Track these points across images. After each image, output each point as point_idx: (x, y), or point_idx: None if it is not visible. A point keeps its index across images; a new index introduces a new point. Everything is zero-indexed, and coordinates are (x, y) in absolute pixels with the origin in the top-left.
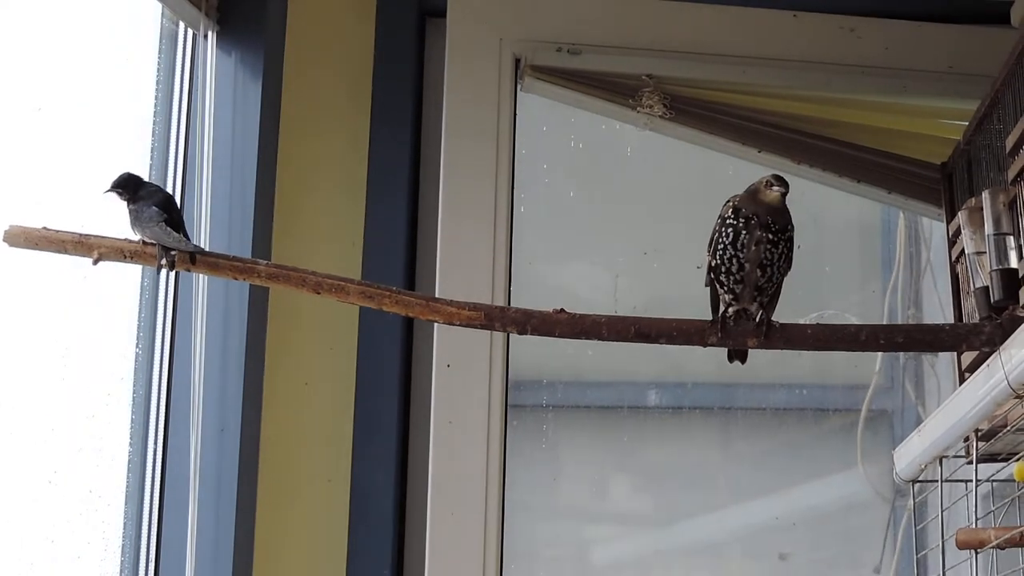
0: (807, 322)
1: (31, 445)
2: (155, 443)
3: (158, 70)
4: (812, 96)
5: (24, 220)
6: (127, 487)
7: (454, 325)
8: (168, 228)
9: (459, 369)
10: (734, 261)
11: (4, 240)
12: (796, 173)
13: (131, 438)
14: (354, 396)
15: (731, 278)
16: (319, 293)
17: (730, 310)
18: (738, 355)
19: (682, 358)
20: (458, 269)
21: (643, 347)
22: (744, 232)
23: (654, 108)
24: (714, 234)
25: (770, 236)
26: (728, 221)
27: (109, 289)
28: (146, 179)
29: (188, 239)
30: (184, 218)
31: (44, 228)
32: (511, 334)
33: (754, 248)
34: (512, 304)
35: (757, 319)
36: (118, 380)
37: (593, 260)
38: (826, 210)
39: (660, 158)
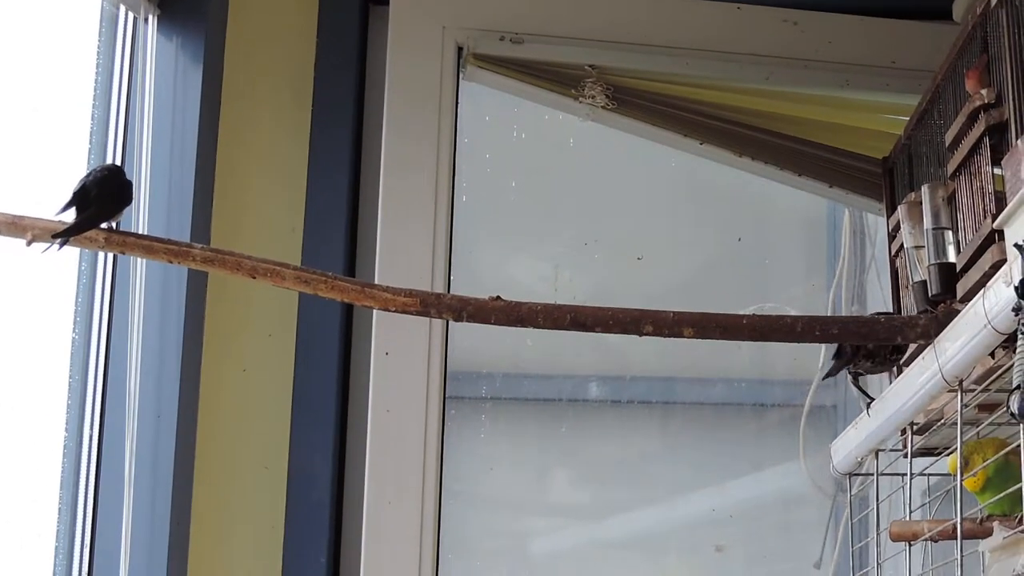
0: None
1: None
2: (91, 428)
3: (98, 53)
4: (754, 89)
5: None
6: (62, 473)
7: (389, 311)
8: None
9: (397, 357)
10: None
11: None
12: (738, 165)
13: (67, 424)
14: (292, 383)
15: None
16: (255, 277)
17: None
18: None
19: (623, 352)
20: (398, 257)
21: (583, 340)
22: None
23: (596, 98)
24: None
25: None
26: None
27: (44, 273)
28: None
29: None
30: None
31: None
32: (450, 323)
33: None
34: (451, 292)
35: None
36: (54, 365)
37: (534, 250)
38: (770, 203)
39: (602, 149)
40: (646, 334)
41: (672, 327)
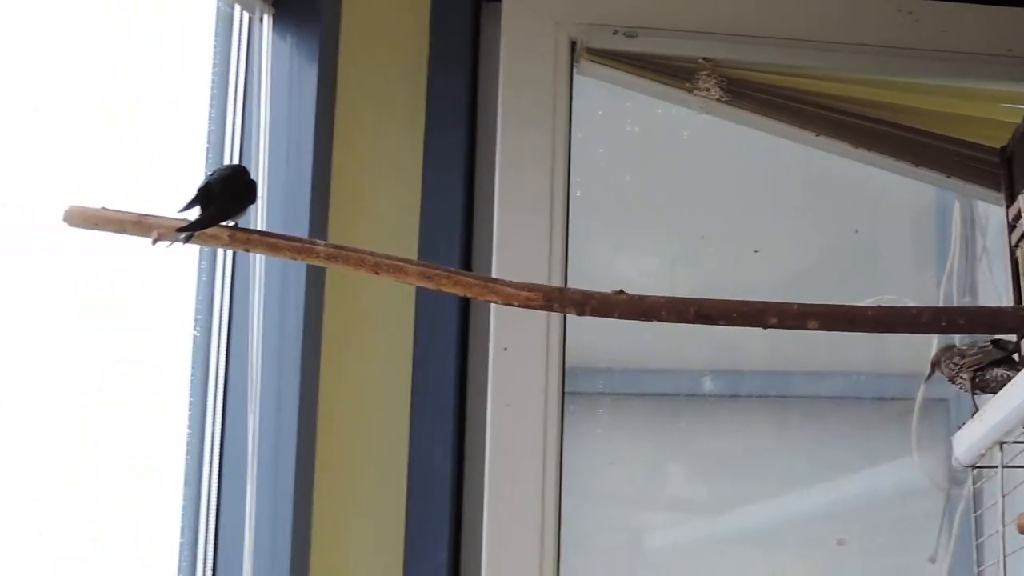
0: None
1: (90, 426)
2: (213, 425)
3: (214, 54)
4: (870, 79)
5: (83, 201)
6: (185, 469)
7: (512, 306)
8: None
9: (516, 352)
10: None
11: (63, 220)
12: (854, 157)
13: (189, 420)
14: (410, 377)
15: None
16: (377, 273)
17: None
18: None
19: (739, 346)
20: (515, 252)
21: (699, 334)
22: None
23: (711, 91)
24: None
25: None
26: None
27: (167, 271)
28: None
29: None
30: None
31: (103, 208)
32: (568, 319)
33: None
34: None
35: None
36: (176, 361)
37: (649, 245)
38: (880, 194)
39: (717, 142)
40: (770, 327)
41: (797, 319)
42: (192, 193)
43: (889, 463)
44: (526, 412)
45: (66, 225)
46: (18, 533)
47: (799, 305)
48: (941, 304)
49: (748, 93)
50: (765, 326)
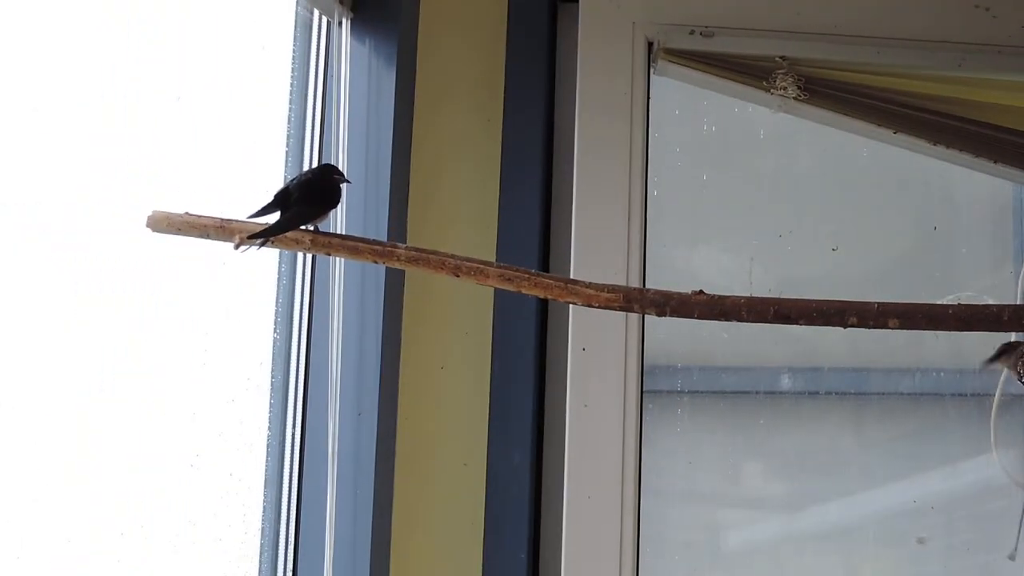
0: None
1: (173, 429)
2: (294, 427)
3: (293, 58)
4: (948, 76)
5: (165, 206)
6: (266, 471)
7: (593, 307)
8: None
9: (594, 353)
10: None
11: (148, 225)
12: (932, 154)
13: (270, 423)
14: (489, 380)
15: None
16: (458, 276)
17: None
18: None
19: (816, 343)
20: (593, 252)
21: (777, 332)
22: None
23: (788, 90)
24: None
25: None
26: None
27: (247, 275)
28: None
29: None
30: (311, 196)
31: (187, 213)
32: (646, 318)
33: None
34: (646, 287)
35: None
36: (257, 365)
37: (727, 244)
38: (958, 191)
39: (793, 140)
40: (850, 326)
41: (877, 318)
42: (266, 201)
43: (968, 460)
44: (605, 412)
45: (151, 230)
46: (99, 532)
47: (879, 304)
48: (1020, 301)
49: (825, 91)
50: (845, 325)
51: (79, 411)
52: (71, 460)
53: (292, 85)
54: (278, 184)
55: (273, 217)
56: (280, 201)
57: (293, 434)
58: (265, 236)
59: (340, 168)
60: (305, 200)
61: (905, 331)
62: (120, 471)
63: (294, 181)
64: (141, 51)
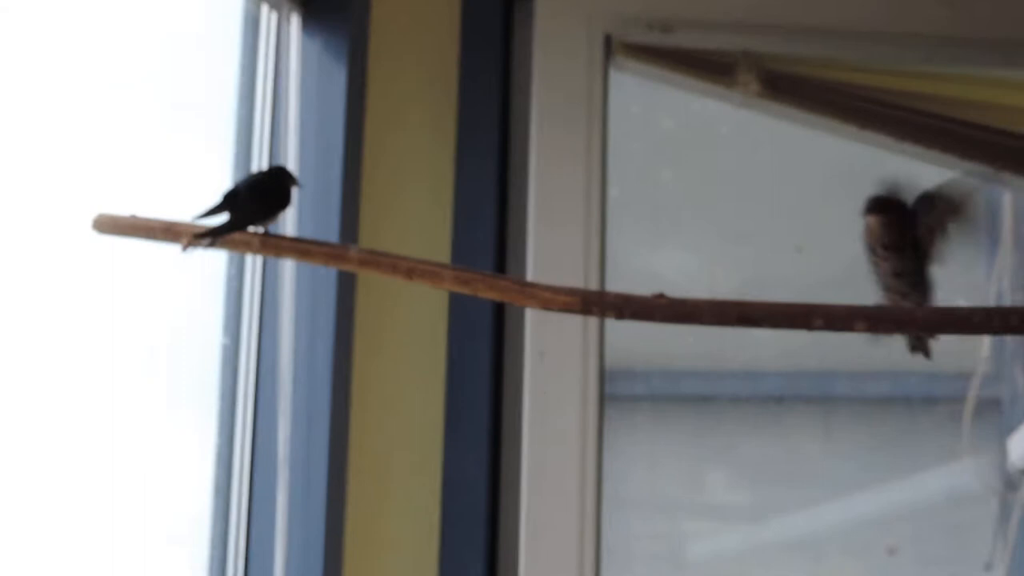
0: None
1: (118, 436)
2: (243, 433)
3: (241, 55)
4: (914, 71)
5: (107, 209)
6: (215, 478)
7: (550, 311)
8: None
9: (553, 358)
10: (879, 277)
11: (94, 228)
12: (899, 151)
13: (219, 429)
14: (444, 385)
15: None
16: (411, 279)
17: None
18: (920, 347)
19: (781, 347)
20: (550, 255)
21: (740, 335)
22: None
23: (750, 85)
24: None
25: (890, 255)
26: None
27: (195, 279)
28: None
29: (238, 221)
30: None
31: (133, 216)
32: (606, 322)
33: (891, 279)
34: (605, 289)
35: None
36: (204, 372)
37: (688, 244)
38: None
39: (757, 137)
40: (816, 328)
41: (844, 321)
42: (213, 202)
43: (940, 467)
44: (564, 419)
45: (96, 233)
46: (37, 542)
47: (846, 306)
48: (993, 303)
49: (788, 87)
50: (811, 328)
51: (13, 421)
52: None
53: (240, 83)
54: (226, 185)
55: (221, 218)
56: (228, 202)
57: (242, 441)
58: (212, 235)
59: (290, 169)
60: (254, 201)
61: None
62: (49, 480)
63: (243, 181)
64: (76, 46)
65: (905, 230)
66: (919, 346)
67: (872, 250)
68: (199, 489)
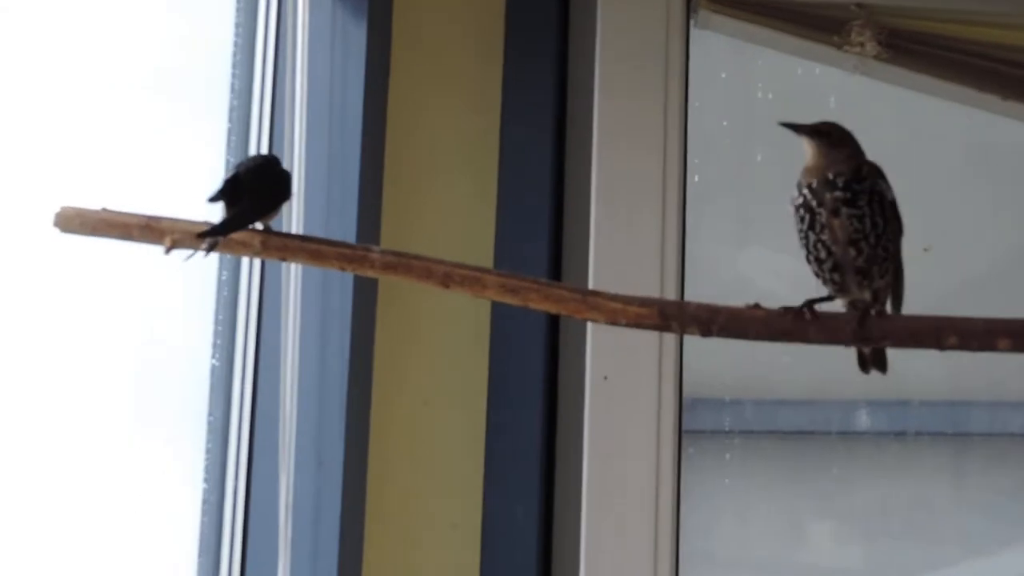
0: None
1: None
2: (235, 481)
3: (236, 12)
4: None
5: (81, 201)
6: (200, 534)
7: (619, 325)
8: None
9: (620, 383)
10: (820, 248)
11: (55, 224)
12: None
13: (206, 472)
14: (485, 419)
15: (824, 267)
16: (448, 287)
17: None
18: (872, 360)
19: (904, 370)
20: (617, 256)
21: (853, 355)
22: (814, 208)
23: (866, 46)
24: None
25: (843, 196)
26: (795, 204)
27: (179, 288)
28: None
29: (240, 216)
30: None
31: (103, 209)
32: (685, 340)
33: (836, 222)
34: (687, 299)
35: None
36: (189, 400)
37: (784, 242)
38: None
39: (874, 110)
40: (948, 348)
41: (983, 339)
42: (216, 187)
43: None
44: (633, 458)
45: (59, 230)
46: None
47: (985, 320)
48: None
49: (914, 47)
50: (942, 347)
51: None
52: None
53: (236, 46)
54: (219, 170)
55: (217, 212)
56: (229, 190)
57: (235, 490)
58: (216, 235)
59: (298, 151)
60: (260, 191)
61: (1017, 355)
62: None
63: (242, 166)
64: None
65: (861, 164)
66: (875, 358)
67: (808, 200)
68: (182, 549)
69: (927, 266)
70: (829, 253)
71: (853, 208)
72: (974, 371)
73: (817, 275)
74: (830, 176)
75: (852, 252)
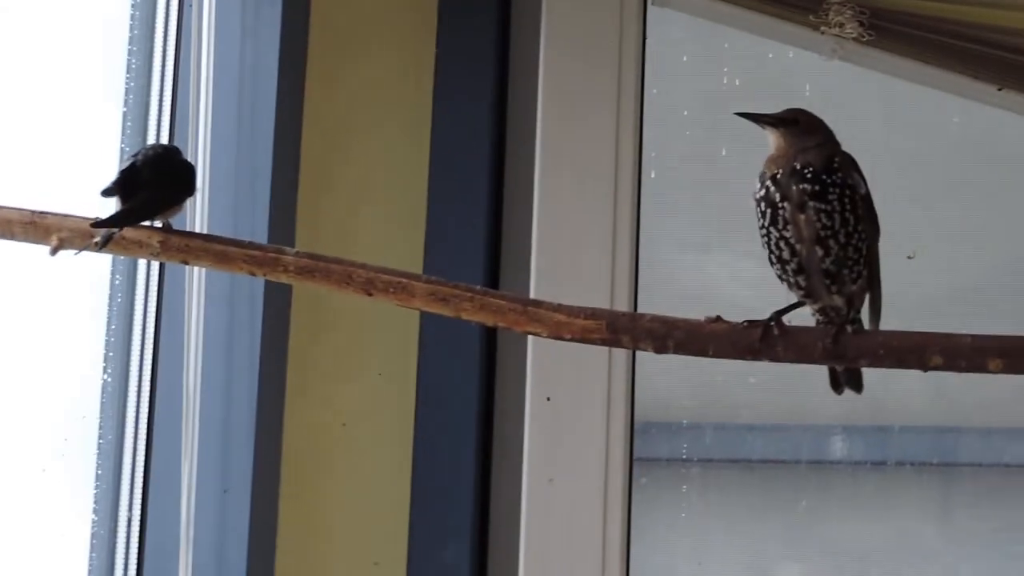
0: None
1: None
2: (129, 512)
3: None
4: None
5: None
6: (90, 567)
7: (563, 340)
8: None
9: (564, 405)
10: (783, 247)
11: None
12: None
13: (96, 502)
14: (412, 444)
15: (788, 268)
16: (371, 295)
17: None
18: (845, 378)
19: (885, 392)
20: (562, 261)
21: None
22: (777, 202)
23: (845, 27)
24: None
25: (811, 189)
26: (756, 197)
27: (65, 292)
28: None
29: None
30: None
31: None
32: (638, 356)
33: (801, 218)
34: (640, 310)
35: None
36: (79, 419)
37: (752, 246)
38: None
39: (854, 100)
40: (933, 368)
41: (971, 358)
42: (111, 179)
43: None
44: (579, 489)
45: None
46: None
47: (974, 337)
48: None
49: (899, 29)
50: (925, 367)
51: None
52: None
53: (133, 19)
54: (113, 161)
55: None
56: (124, 183)
57: (128, 519)
58: (109, 226)
59: (203, 140)
60: (160, 183)
61: (1012, 376)
62: None
63: (140, 156)
64: None
65: (833, 154)
66: (849, 377)
67: (771, 192)
68: None
69: (911, 275)
70: (793, 253)
71: (821, 202)
72: (963, 394)
73: (781, 278)
74: (797, 166)
75: (819, 251)
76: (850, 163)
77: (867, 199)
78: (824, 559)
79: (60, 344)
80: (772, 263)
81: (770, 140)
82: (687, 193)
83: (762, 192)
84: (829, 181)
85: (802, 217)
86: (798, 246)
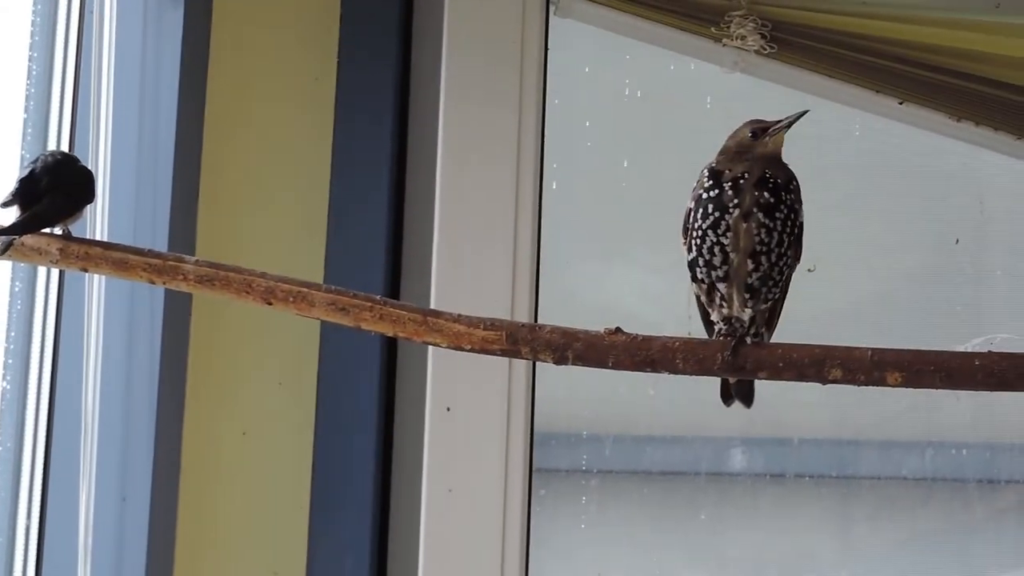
0: (969, 349)
1: None
2: (27, 520)
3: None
4: (973, 22)
5: None
6: None
7: (463, 351)
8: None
9: (464, 415)
10: (716, 252)
11: None
12: (954, 134)
13: None
14: (312, 453)
15: (713, 274)
16: (270, 304)
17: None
18: (737, 391)
19: (785, 405)
20: (462, 272)
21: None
22: (727, 206)
23: (747, 39)
24: (688, 215)
25: (765, 200)
26: (703, 195)
27: None
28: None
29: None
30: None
31: None
32: (538, 368)
33: (743, 227)
34: (540, 322)
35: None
36: None
37: (655, 259)
38: (991, 187)
39: (754, 112)
40: (832, 381)
41: (871, 372)
42: (10, 187)
43: (1008, 572)
44: (478, 499)
45: None
46: None
47: (874, 351)
48: None
49: (801, 42)
50: (825, 380)
51: None
52: None
53: (34, 24)
54: (12, 168)
55: (10, 214)
56: (24, 191)
57: (26, 530)
58: (8, 234)
59: (103, 147)
60: (58, 190)
61: (912, 390)
62: None
63: (39, 163)
64: None
65: (792, 176)
66: (740, 390)
67: (726, 194)
68: None
69: (810, 288)
70: (725, 261)
71: (768, 217)
72: (862, 407)
73: (700, 281)
74: (767, 174)
75: (749, 265)
76: (799, 191)
77: (801, 228)
78: (723, 570)
79: None
80: (697, 266)
81: (772, 141)
82: (589, 205)
83: (714, 191)
84: (783, 200)
85: (744, 227)
86: (732, 255)
